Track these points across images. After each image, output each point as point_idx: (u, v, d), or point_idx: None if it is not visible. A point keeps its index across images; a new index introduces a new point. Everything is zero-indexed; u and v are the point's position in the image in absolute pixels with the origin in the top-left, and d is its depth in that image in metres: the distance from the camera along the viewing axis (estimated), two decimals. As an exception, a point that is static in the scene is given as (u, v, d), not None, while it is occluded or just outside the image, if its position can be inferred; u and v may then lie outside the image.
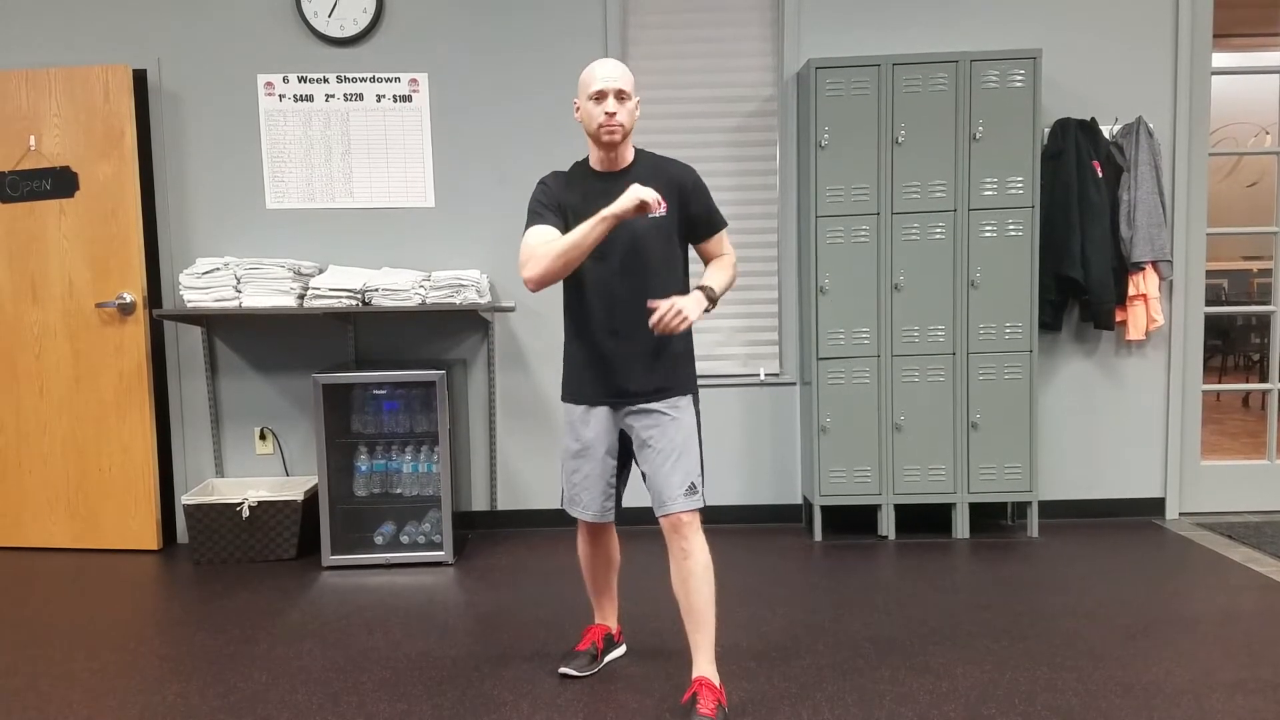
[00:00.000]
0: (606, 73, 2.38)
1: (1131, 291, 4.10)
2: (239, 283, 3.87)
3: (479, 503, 4.35)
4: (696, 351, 4.21)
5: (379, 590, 3.55)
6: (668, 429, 2.49)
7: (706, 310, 2.45)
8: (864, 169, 3.88)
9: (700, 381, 4.20)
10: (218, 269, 3.87)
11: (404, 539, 3.96)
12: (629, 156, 2.50)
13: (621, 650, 2.91)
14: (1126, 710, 2.45)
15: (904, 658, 2.82)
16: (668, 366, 2.51)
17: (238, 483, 4.19)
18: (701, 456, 2.54)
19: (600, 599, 2.86)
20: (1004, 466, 3.98)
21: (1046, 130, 4.09)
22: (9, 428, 4.14)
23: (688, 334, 2.52)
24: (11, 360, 4.11)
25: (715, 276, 2.53)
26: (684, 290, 2.52)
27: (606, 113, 2.36)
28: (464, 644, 3.00)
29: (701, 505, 2.49)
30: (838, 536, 4.10)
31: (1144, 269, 4.07)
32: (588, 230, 2.31)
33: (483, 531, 4.31)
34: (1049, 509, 4.27)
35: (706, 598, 2.46)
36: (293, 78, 4.14)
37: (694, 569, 2.45)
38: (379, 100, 4.16)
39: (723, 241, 2.61)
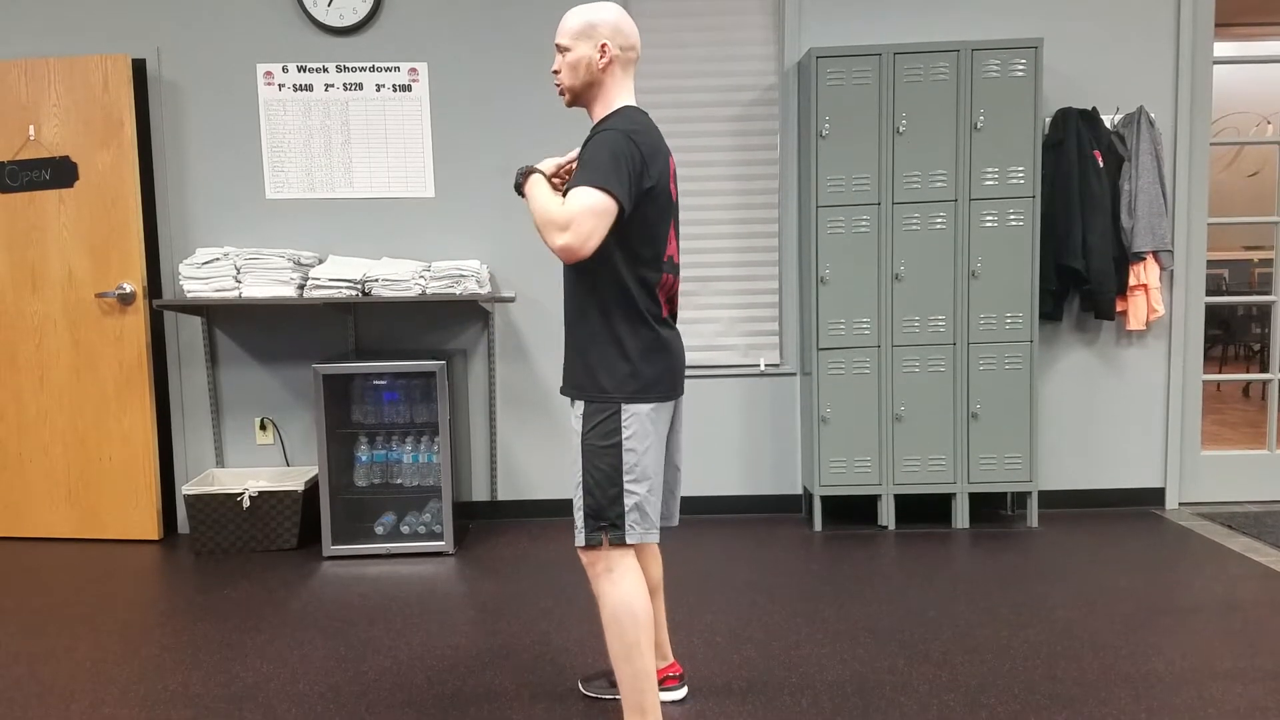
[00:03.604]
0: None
1: (1132, 281, 4.09)
2: (239, 273, 3.86)
3: (479, 493, 4.36)
4: (696, 342, 4.27)
5: (380, 580, 3.56)
6: (571, 441, 2.15)
7: (520, 186, 2.10)
8: (865, 159, 3.87)
9: (699, 372, 4.30)
10: (217, 259, 3.86)
11: (404, 529, 3.97)
12: (599, 114, 2.14)
13: (677, 695, 2.50)
14: (1126, 699, 2.46)
15: (903, 647, 2.82)
16: (572, 361, 2.14)
17: (238, 473, 4.19)
18: (601, 481, 2.07)
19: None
20: (1004, 456, 3.98)
21: (1048, 120, 4.09)
22: (9, 418, 4.14)
23: (593, 324, 2.09)
24: (12, 350, 4.11)
25: (552, 192, 2.07)
26: (597, 276, 2.07)
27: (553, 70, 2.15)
28: (465, 633, 3.00)
29: (581, 544, 2.11)
30: (838, 527, 4.11)
31: (1145, 259, 4.06)
32: None
33: (483, 522, 4.32)
34: (1049, 499, 4.28)
35: (614, 652, 2.11)
36: (292, 67, 4.13)
37: (602, 615, 2.13)
38: (378, 90, 4.15)
39: (570, 196, 1.97)
